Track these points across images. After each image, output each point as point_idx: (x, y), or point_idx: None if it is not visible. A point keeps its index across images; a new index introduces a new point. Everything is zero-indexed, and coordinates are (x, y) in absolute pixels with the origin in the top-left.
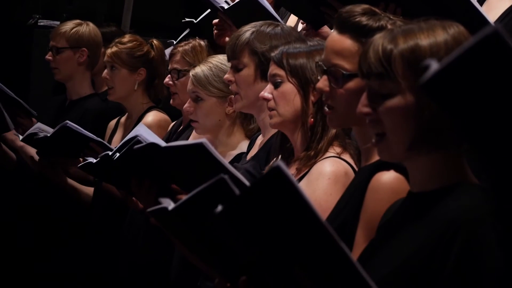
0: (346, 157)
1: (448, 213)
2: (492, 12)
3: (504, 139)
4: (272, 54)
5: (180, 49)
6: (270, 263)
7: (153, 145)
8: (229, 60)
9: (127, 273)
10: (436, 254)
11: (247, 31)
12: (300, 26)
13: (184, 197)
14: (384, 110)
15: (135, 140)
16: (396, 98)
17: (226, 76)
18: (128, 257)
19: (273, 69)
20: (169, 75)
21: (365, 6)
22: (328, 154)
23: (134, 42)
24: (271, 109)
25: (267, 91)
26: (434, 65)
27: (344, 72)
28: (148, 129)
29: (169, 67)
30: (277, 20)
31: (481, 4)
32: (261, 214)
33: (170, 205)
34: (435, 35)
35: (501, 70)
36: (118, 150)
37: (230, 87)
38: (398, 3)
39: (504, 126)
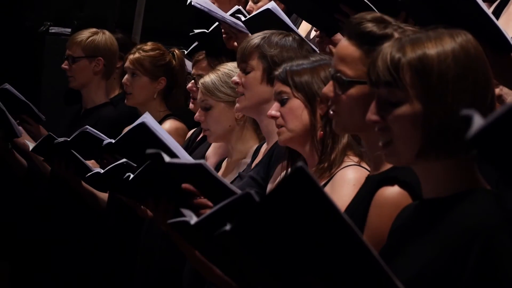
0: (365, 165)
1: (464, 219)
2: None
3: None
4: (276, 73)
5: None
6: (284, 272)
7: (158, 154)
8: (238, 63)
9: (143, 279)
10: (455, 260)
11: (258, 36)
12: (313, 34)
13: (207, 212)
14: (392, 118)
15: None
16: (404, 106)
17: (234, 78)
18: (145, 264)
19: (278, 86)
20: (192, 81)
21: (376, 14)
22: (347, 163)
23: (157, 51)
24: (279, 126)
25: (274, 109)
26: (477, 120)
27: (345, 78)
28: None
29: (193, 72)
30: (295, 33)
31: (499, 14)
32: (282, 219)
33: (192, 218)
34: (443, 44)
35: None
36: (121, 139)
37: (236, 89)
38: (407, 12)
39: None
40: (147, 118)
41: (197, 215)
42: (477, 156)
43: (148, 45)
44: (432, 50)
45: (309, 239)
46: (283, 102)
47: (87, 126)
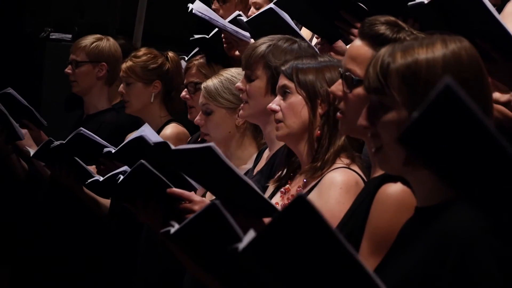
0: (355, 168)
1: (445, 227)
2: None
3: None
4: (283, 68)
5: (195, 62)
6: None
7: (165, 144)
8: (243, 69)
9: (144, 284)
10: (433, 267)
11: (264, 43)
12: (315, 40)
13: (182, 223)
14: (380, 125)
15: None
16: (392, 113)
17: (238, 84)
18: (145, 269)
19: (282, 81)
20: (185, 89)
21: (390, 17)
22: (337, 165)
23: (149, 55)
24: (278, 121)
25: (275, 103)
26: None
27: (354, 77)
28: (155, 132)
29: (185, 81)
30: (297, 33)
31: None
32: (284, 246)
33: (174, 227)
34: (434, 50)
35: (458, 121)
36: (120, 150)
37: (240, 95)
38: (415, 18)
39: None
40: (145, 132)
41: (183, 219)
42: None
43: (141, 51)
44: (422, 56)
45: (311, 264)
46: (284, 96)
47: (81, 128)
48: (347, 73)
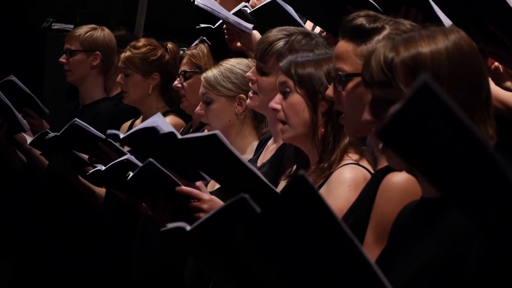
0: (364, 163)
1: (461, 219)
2: None
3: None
4: (280, 64)
5: (188, 52)
6: (292, 280)
7: (171, 134)
8: (256, 60)
9: (141, 276)
10: (453, 261)
11: (282, 39)
12: (316, 31)
13: (203, 218)
14: None
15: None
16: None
17: (248, 74)
18: (142, 260)
19: (282, 77)
20: (178, 78)
21: (368, 11)
22: (345, 162)
23: (148, 47)
24: (283, 123)
25: (276, 102)
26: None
27: (342, 73)
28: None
29: (179, 71)
30: (301, 26)
31: None
32: (284, 228)
33: (186, 226)
34: (436, 42)
35: (435, 119)
36: (128, 137)
37: (250, 84)
38: (419, 8)
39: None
40: (158, 122)
41: (192, 218)
42: None
43: (140, 42)
44: (425, 48)
45: (309, 247)
46: (285, 95)
47: (75, 119)
48: (336, 73)
